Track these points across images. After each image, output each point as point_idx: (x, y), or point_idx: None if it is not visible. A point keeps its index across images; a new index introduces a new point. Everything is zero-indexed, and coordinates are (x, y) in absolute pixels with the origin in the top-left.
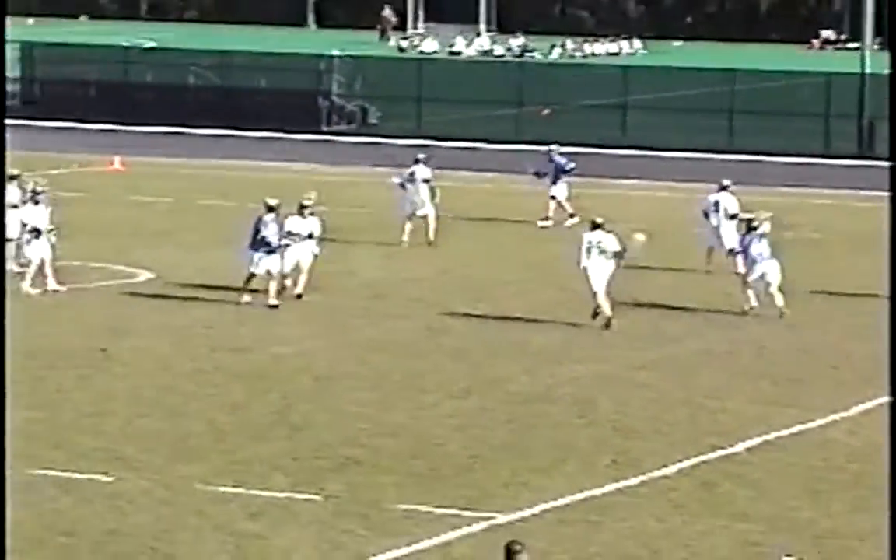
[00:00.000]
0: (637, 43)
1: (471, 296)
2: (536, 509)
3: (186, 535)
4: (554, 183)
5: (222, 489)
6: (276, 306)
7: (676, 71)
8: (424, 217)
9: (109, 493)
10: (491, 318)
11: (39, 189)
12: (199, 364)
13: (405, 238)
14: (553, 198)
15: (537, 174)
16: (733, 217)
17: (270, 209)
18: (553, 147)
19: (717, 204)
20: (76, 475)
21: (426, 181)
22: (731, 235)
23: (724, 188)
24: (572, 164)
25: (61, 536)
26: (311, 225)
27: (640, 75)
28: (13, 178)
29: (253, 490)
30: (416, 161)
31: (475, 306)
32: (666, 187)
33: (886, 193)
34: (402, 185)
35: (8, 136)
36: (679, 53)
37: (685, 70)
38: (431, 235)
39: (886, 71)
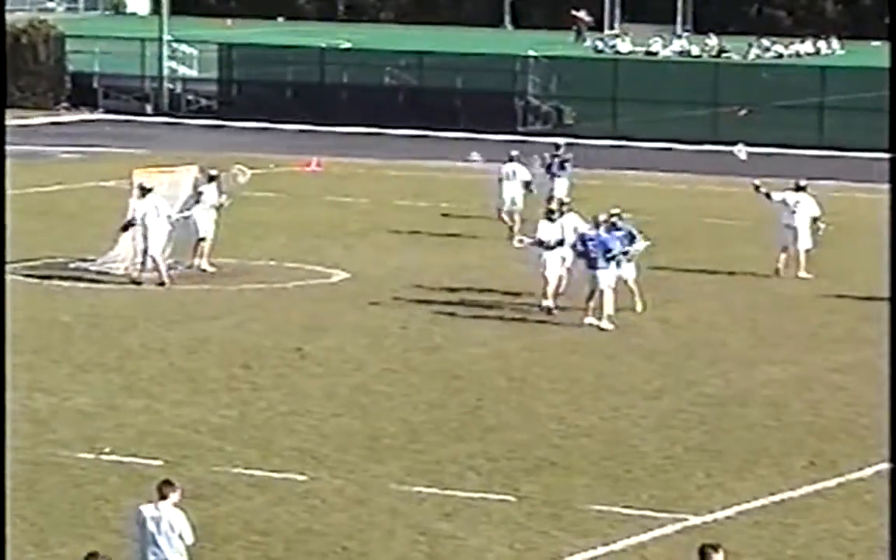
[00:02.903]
0: (835, 43)
1: (663, 296)
2: (731, 511)
3: (379, 535)
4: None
5: (416, 489)
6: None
7: (875, 71)
8: (510, 214)
9: (303, 492)
10: (683, 319)
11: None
12: (393, 364)
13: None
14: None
15: (545, 166)
16: (815, 219)
17: (598, 224)
18: (560, 140)
19: (797, 204)
20: (270, 474)
21: (527, 183)
22: (806, 236)
23: (801, 188)
24: (570, 155)
25: (255, 535)
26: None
27: (838, 75)
28: (211, 178)
29: (447, 490)
30: (511, 159)
31: (667, 307)
32: (864, 189)
33: None
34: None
35: (205, 136)
36: (878, 53)
37: (884, 70)
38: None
39: None
